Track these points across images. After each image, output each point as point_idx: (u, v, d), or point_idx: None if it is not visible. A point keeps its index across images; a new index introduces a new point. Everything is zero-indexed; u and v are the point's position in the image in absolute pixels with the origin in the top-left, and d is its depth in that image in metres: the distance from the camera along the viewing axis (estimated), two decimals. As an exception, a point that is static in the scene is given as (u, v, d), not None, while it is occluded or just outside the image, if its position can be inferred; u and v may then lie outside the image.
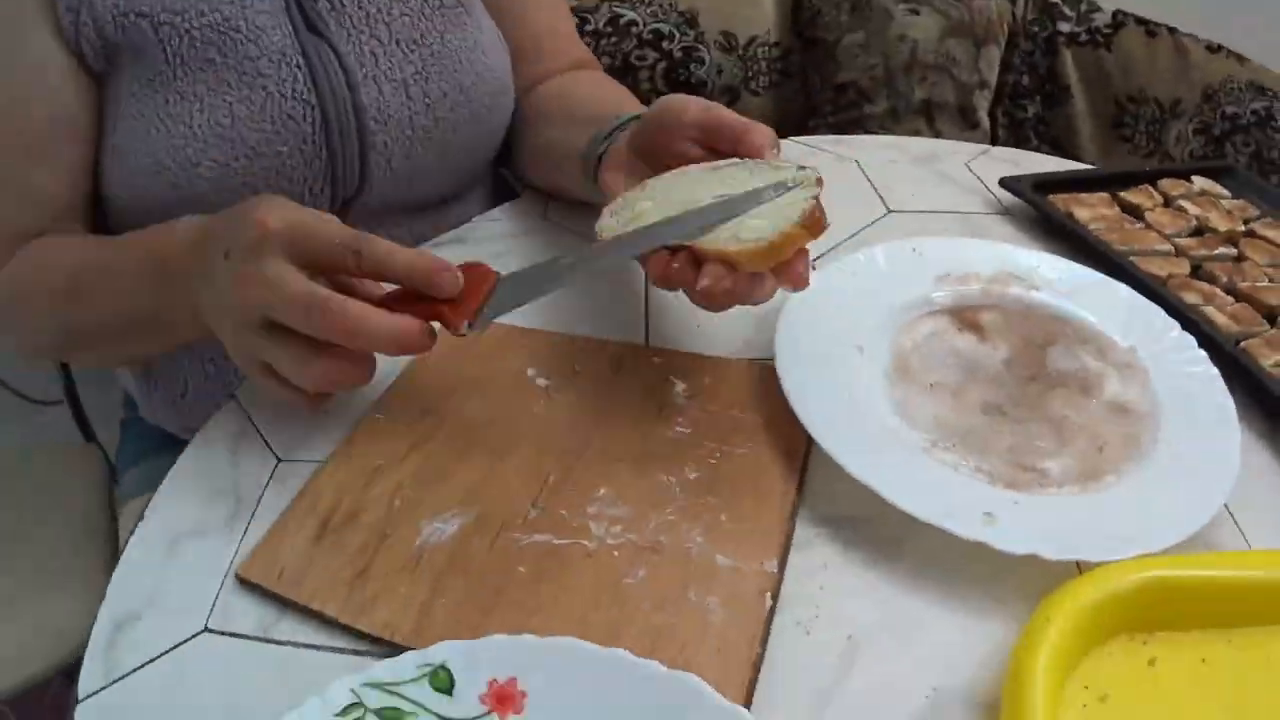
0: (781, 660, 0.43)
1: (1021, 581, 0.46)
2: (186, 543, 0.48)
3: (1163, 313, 0.59)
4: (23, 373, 0.90)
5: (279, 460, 0.52)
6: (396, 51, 0.64)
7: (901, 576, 0.47)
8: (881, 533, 0.48)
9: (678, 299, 0.63)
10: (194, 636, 0.44)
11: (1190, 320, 0.61)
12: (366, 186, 0.65)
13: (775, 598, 0.44)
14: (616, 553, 0.45)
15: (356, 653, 0.43)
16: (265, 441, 0.53)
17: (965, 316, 0.59)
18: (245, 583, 0.45)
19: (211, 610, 0.45)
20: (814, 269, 0.52)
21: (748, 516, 0.47)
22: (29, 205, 0.61)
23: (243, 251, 0.45)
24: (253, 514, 0.49)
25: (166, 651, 0.43)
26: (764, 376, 0.55)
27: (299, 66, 0.61)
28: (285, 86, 0.60)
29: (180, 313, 0.52)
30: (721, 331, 0.60)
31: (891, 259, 0.61)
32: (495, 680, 0.40)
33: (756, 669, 0.42)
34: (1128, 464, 0.50)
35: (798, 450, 0.51)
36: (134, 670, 0.43)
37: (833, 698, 0.42)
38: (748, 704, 0.41)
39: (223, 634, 0.44)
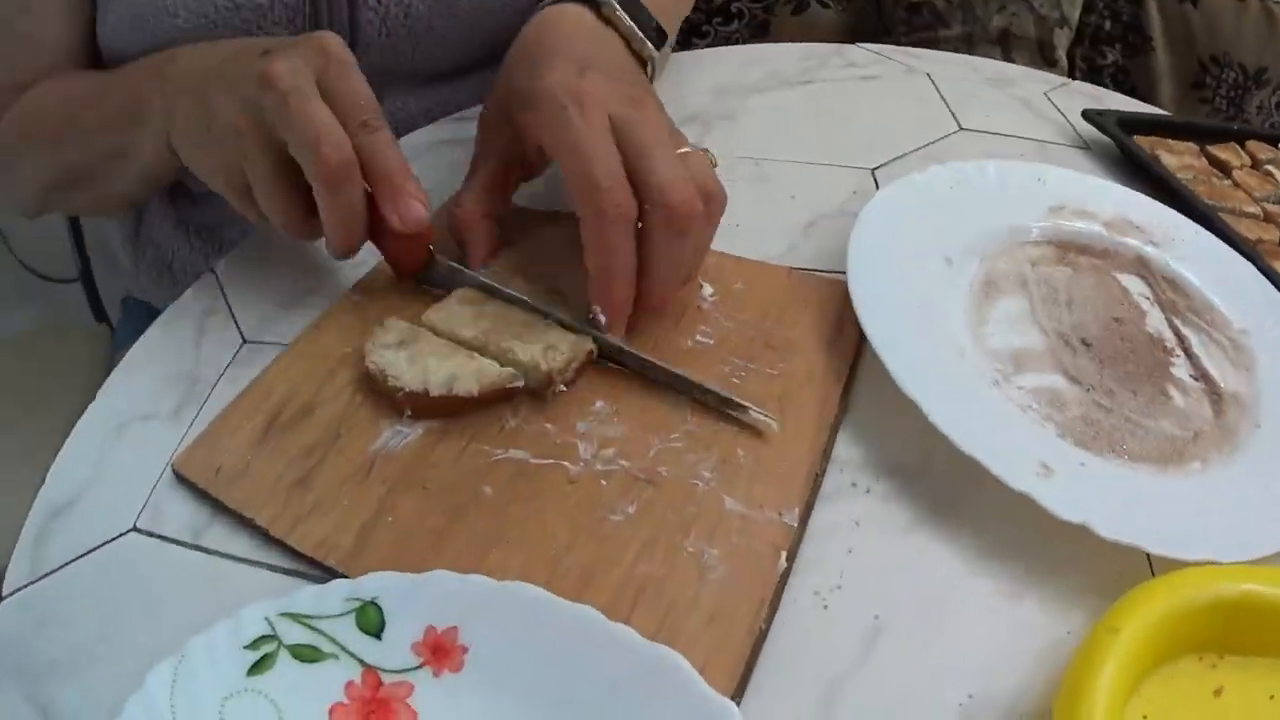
0: (789, 637, 0.34)
1: (1089, 576, 0.37)
2: (132, 428, 0.42)
3: None
4: (39, 249, 0.88)
5: (244, 341, 0.45)
6: None
7: (947, 548, 0.38)
8: (930, 489, 0.39)
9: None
10: (121, 536, 0.38)
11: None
12: (359, 48, 0.57)
13: (792, 558, 0.35)
14: (604, 481, 0.36)
15: (287, 572, 0.36)
16: (234, 319, 0.46)
17: (1073, 256, 0.51)
18: (182, 478, 0.39)
19: (144, 507, 0.39)
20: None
21: (770, 452, 0.37)
22: (23, 52, 0.56)
23: (287, 51, 0.42)
24: (205, 400, 0.43)
25: (92, 550, 0.38)
26: (806, 287, 0.46)
27: None
28: None
29: (150, 124, 0.47)
30: (764, 234, 0.50)
31: (1003, 178, 0.54)
32: (434, 628, 0.33)
33: (757, 646, 0.33)
34: (1217, 455, 0.42)
35: (839, 378, 0.41)
36: (59, 567, 0.38)
37: (846, 691, 0.33)
38: (740, 691, 0.32)
39: (150, 535, 0.38)
